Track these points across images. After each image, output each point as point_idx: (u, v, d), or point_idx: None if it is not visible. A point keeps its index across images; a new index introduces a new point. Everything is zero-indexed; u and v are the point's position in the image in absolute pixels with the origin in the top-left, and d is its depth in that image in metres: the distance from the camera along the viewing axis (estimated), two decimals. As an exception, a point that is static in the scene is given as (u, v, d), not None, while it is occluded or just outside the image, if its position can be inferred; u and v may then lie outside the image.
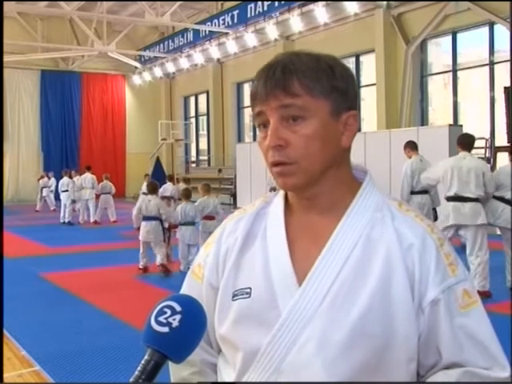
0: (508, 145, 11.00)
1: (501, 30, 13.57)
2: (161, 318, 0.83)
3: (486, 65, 14.42)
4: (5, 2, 17.13)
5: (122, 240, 11.67)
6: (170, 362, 0.86)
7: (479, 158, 12.47)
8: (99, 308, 6.00)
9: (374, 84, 16.35)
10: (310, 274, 0.99)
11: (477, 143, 13.59)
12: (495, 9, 13.19)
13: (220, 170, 20.99)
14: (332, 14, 16.29)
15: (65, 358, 4.37)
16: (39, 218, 16.81)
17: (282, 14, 17.37)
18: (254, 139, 19.31)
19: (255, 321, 1.01)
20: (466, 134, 6.73)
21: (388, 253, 0.99)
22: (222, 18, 19.56)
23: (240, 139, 22.59)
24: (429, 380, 1.00)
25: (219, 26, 19.59)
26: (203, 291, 1.10)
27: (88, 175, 15.37)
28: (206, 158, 25.48)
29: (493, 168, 10.81)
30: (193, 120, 26.70)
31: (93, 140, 26.03)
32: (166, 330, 0.82)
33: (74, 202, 15.35)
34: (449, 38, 15.17)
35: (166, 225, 8.27)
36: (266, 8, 17.73)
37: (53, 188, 18.99)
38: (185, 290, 1.14)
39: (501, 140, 12.97)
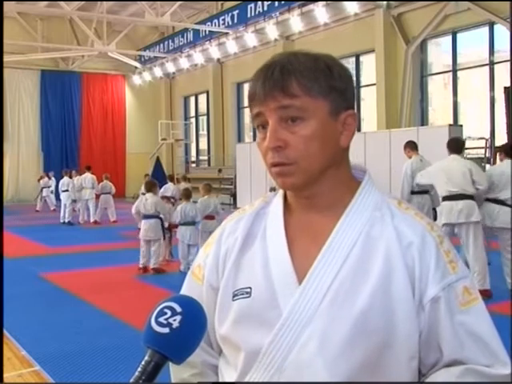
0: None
1: (501, 30, 13.57)
2: (161, 319, 0.83)
3: (486, 65, 14.42)
4: (5, 2, 17.12)
5: (122, 240, 11.68)
6: (170, 364, 0.86)
7: (478, 158, 12.56)
8: (99, 308, 6.00)
9: (374, 84, 16.35)
10: (310, 273, 0.99)
11: (477, 143, 13.76)
12: (495, 9, 13.19)
13: (220, 170, 20.99)
14: (332, 13, 16.29)
15: (65, 358, 4.37)
16: (39, 218, 16.81)
17: (282, 13, 17.37)
18: (254, 139, 19.30)
19: (256, 320, 1.01)
20: (454, 138, 7.02)
21: (388, 251, 0.99)
22: (222, 17, 19.56)
23: (240, 139, 22.59)
24: (430, 378, 1.00)
25: (219, 25, 19.59)
26: (203, 292, 1.10)
27: (88, 175, 15.38)
28: (206, 157, 25.47)
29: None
30: (193, 120, 26.70)
31: (93, 140, 26.02)
32: (166, 330, 0.82)
33: (74, 201, 15.36)
34: (449, 38, 15.17)
35: (166, 224, 8.29)
36: (266, 8, 17.73)
37: (53, 188, 19.00)
38: (185, 291, 1.14)
39: (501, 140, 12.94)
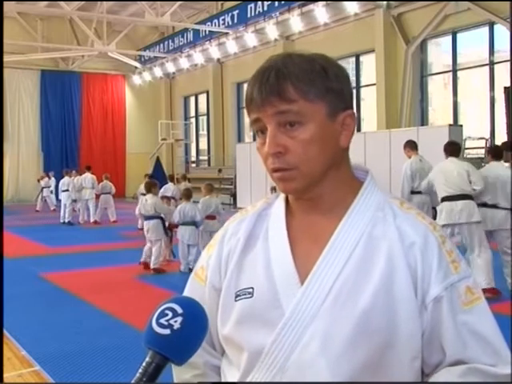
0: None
1: (501, 30, 13.57)
2: (162, 320, 0.83)
3: (486, 65, 14.43)
4: (5, 2, 17.13)
5: (122, 240, 11.68)
6: (172, 364, 0.86)
7: (478, 158, 12.56)
8: (99, 308, 6.00)
9: (374, 84, 16.35)
10: (312, 273, 0.99)
11: (477, 143, 13.76)
12: (495, 9, 13.19)
13: (220, 170, 20.99)
14: (332, 13, 16.30)
15: (65, 358, 4.37)
16: (39, 218, 16.81)
17: (282, 13, 17.38)
18: (254, 139, 19.16)
19: (258, 320, 1.01)
20: (450, 141, 6.97)
21: (390, 251, 0.99)
22: (222, 18, 19.57)
23: (240, 139, 22.59)
24: (432, 378, 1.00)
25: (219, 26, 19.60)
26: (206, 293, 1.10)
27: (88, 175, 15.38)
28: (206, 158, 25.48)
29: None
30: (193, 120, 26.70)
31: (93, 140, 26.03)
32: (167, 332, 0.82)
33: (74, 201, 15.36)
34: (449, 38, 15.18)
35: (167, 224, 8.29)
36: (266, 8, 17.73)
37: (52, 188, 19.00)
38: (188, 292, 1.14)
39: (501, 140, 12.92)
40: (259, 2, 17.86)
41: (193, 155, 27.00)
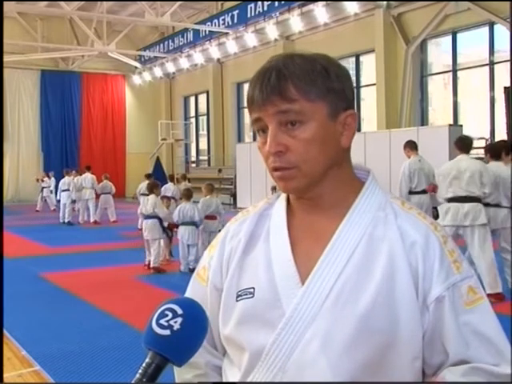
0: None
1: (501, 30, 13.57)
2: (162, 321, 0.83)
3: (486, 65, 14.42)
4: (5, 2, 17.12)
5: (121, 240, 11.68)
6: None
7: (479, 158, 12.55)
8: (99, 308, 6.00)
9: (374, 84, 16.35)
10: (313, 273, 0.99)
11: (477, 143, 13.73)
12: (495, 9, 13.19)
13: (220, 170, 20.99)
14: (332, 14, 16.30)
15: (65, 358, 4.37)
16: (39, 218, 16.80)
17: (282, 13, 17.37)
18: (254, 139, 19.30)
19: (259, 320, 1.01)
20: (463, 136, 6.74)
21: (391, 250, 0.99)
22: (222, 18, 19.56)
23: (240, 139, 22.59)
24: (434, 378, 0.99)
25: (219, 26, 19.59)
26: (208, 293, 1.10)
27: (88, 175, 15.37)
28: (206, 157, 25.47)
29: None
30: (193, 120, 26.70)
31: (93, 140, 26.03)
32: (167, 332, 0.82)
33: (74, 201, 15.35)
34: (449, 38, 15.17)
35: (166, 224, 8.29)
36: (266, 8, 17.73)
37: (52, 188, 19.00)
38: (189, 292, 1.15)
39: (501, 140, 12.97)
40: (259, 2, 17.85)
41: (193, 155, 26.99)
